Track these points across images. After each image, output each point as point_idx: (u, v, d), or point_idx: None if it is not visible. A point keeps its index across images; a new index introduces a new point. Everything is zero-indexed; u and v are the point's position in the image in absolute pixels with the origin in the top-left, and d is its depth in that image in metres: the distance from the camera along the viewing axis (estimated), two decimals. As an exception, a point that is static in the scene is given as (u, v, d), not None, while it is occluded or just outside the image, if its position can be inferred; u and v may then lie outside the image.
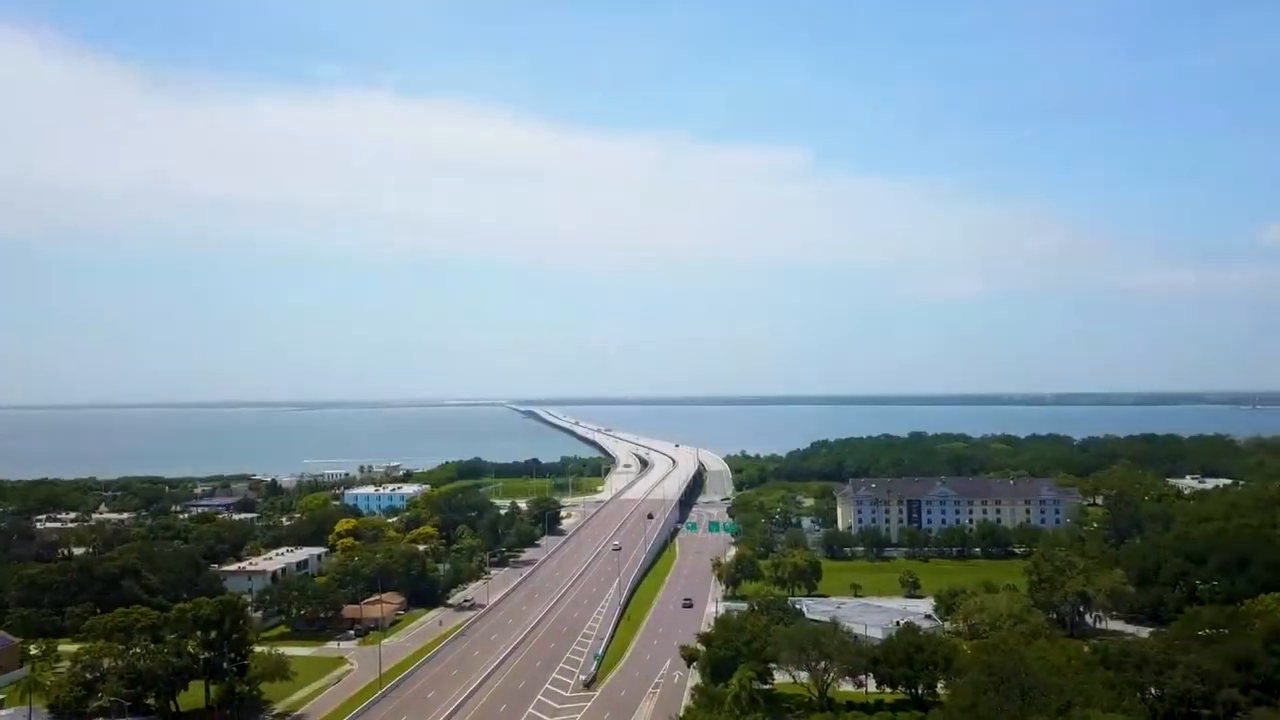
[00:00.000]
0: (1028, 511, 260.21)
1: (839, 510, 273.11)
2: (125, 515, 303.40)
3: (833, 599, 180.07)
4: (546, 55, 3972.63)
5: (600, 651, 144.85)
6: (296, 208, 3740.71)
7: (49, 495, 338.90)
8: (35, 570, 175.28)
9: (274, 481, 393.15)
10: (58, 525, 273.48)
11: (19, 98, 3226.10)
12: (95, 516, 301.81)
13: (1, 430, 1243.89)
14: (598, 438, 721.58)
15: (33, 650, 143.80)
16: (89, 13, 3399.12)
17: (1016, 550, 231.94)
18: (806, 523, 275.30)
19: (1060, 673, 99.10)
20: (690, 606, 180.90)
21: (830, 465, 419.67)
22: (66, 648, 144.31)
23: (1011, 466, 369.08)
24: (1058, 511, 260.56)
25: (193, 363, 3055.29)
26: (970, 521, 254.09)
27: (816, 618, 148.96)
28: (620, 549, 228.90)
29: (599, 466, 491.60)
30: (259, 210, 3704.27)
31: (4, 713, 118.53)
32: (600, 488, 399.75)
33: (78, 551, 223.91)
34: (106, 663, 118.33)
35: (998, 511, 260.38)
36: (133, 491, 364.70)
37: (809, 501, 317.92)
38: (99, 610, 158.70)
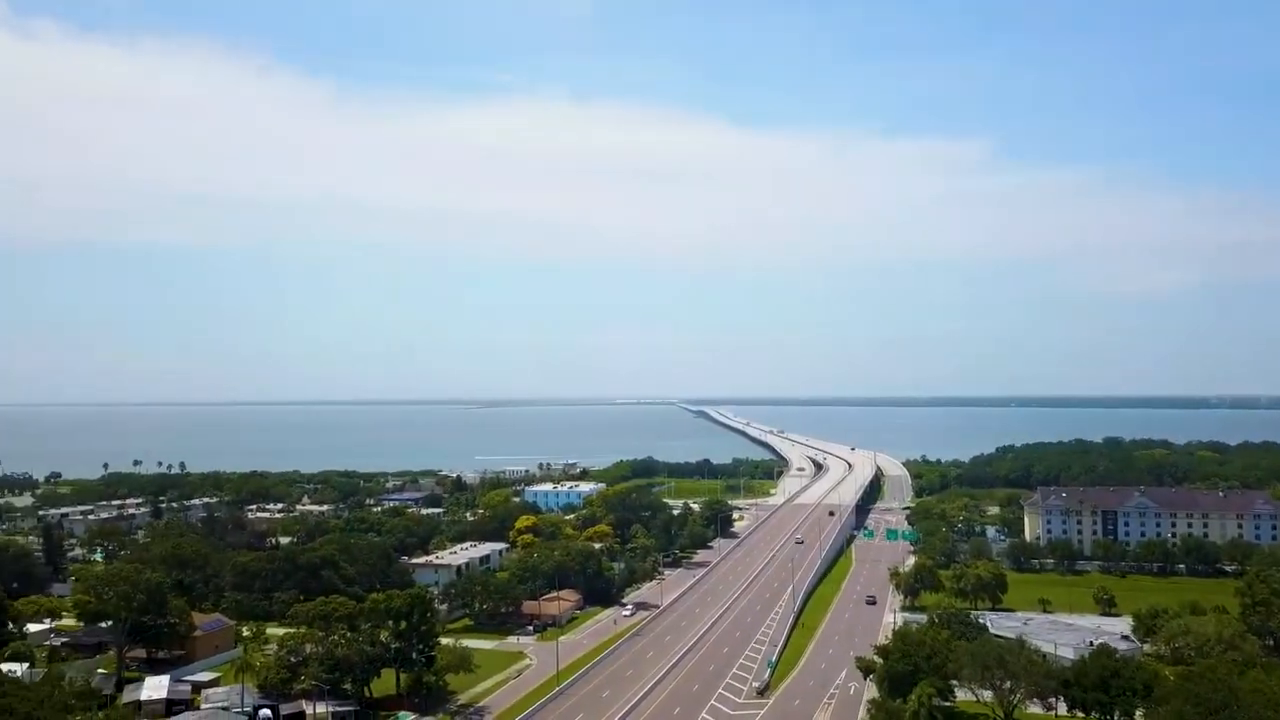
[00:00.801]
0: (1239, 526, 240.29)
1: (1026, 520, 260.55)
2: (325, 507, 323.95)
3: (1019, 614, 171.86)
4: (717, 54, 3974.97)
5: (774, 658, 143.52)
6: (472, 213, 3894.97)
7: (259, 487, 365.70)
8: (247, 558, 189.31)
9: (459, 478, 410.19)
10: (266, 516, 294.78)
11: (226, 116, 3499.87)
12: (299, 508, 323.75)
13: (228, 424, 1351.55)
14: (770, 439, 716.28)
15: (245, 632, 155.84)
16: (282, 34, 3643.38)
17: (1226, 568, 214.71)
18: (991, 532, 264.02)
19: (1278, 708, 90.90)
20: (874, 603, 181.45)
21: (1017, 471, 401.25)
22: (274, 631, 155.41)
23: (1220, 476, 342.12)
24: (1274, 527, 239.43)
25: (389, 363, 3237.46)
26: (1173, 535, 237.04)
27: (1001, 634, 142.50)
28: (803, 542, 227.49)
29: (771, 469, 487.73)
30: (439, 216, 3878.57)
31: (220, 689, 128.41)
32: (772, 491, 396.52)
33: (284, 541, 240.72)
34: (309, 648, 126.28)
35: (1204, 525, 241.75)
36: (332, 485, 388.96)
37: (994, 510, 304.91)
38: (302, 597, 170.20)
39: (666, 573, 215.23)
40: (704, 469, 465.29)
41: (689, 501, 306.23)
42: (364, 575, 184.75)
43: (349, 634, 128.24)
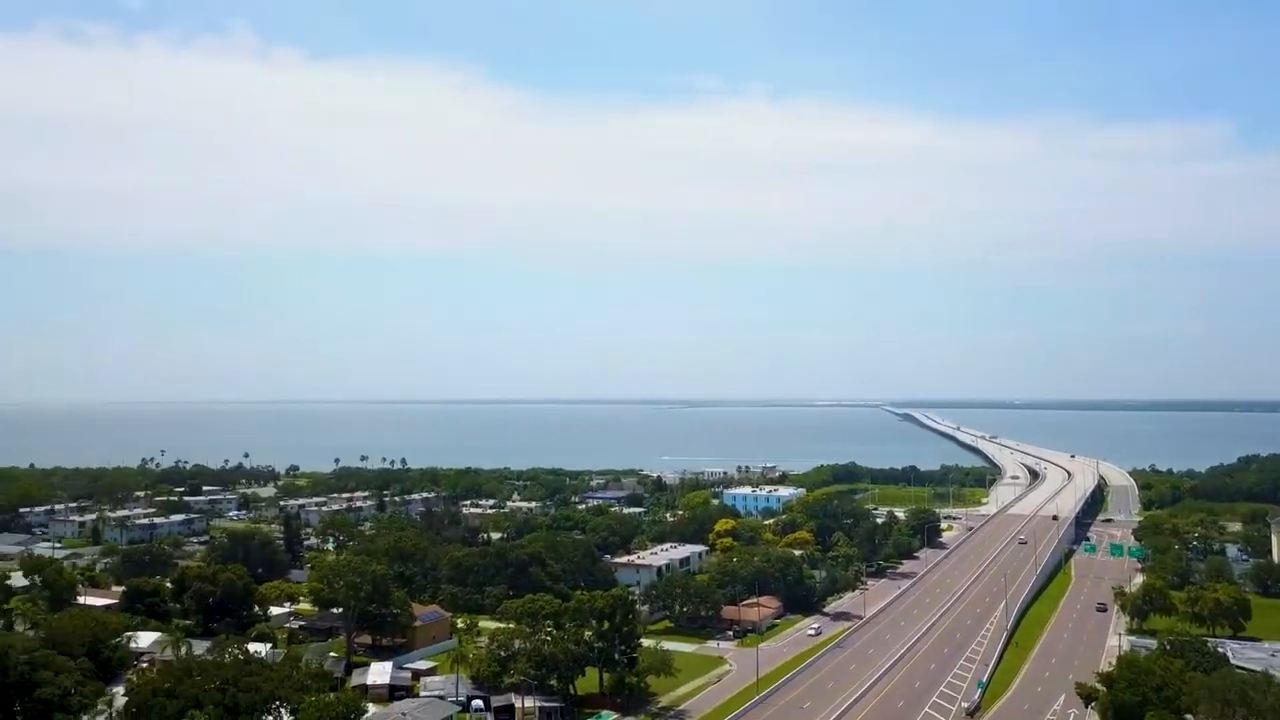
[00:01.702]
0: None
1: (1274, 539, 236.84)
2: (533, 504, 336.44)
3: (1266, 645, 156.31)
4: (919, 46, 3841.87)
5: (985, 678, 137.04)
6: (669, 215, 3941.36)
7: (472, 483, 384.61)
8: (461, 553, 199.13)
9: (659, 478, 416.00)
10: (479, 511, 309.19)
11: (440, 130, 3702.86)
12: (509, 504, 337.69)
13: (445, 421, 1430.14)
14: (981, 445, 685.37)
15: (459, 624, 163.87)
16: (491, 50, 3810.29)
17: None
18: (1232, 551, 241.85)
19: None
20: (1104, 610, 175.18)
21: (1263, 485, 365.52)
22: (486, 624, 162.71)
23: None
24: None
25: (593, 362, 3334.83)
26: None
27: (1245, 666, 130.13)
28: (1026, 542, 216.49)
29: (983, 476, 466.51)
30: (639, 219, 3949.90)
31: (437, 678, 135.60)
32: (984, 500, 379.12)
33: (495, 536, 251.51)
34: (517, 644, 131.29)
35: None
36: (539, 482, 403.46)
37: (1234, 527, 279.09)
38: (511, 593, 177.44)
39: (870, 583, 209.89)
40: (909, 475, 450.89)
41: (893, 510, 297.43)
42: (569, 573, 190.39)
43: (555, 632, 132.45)
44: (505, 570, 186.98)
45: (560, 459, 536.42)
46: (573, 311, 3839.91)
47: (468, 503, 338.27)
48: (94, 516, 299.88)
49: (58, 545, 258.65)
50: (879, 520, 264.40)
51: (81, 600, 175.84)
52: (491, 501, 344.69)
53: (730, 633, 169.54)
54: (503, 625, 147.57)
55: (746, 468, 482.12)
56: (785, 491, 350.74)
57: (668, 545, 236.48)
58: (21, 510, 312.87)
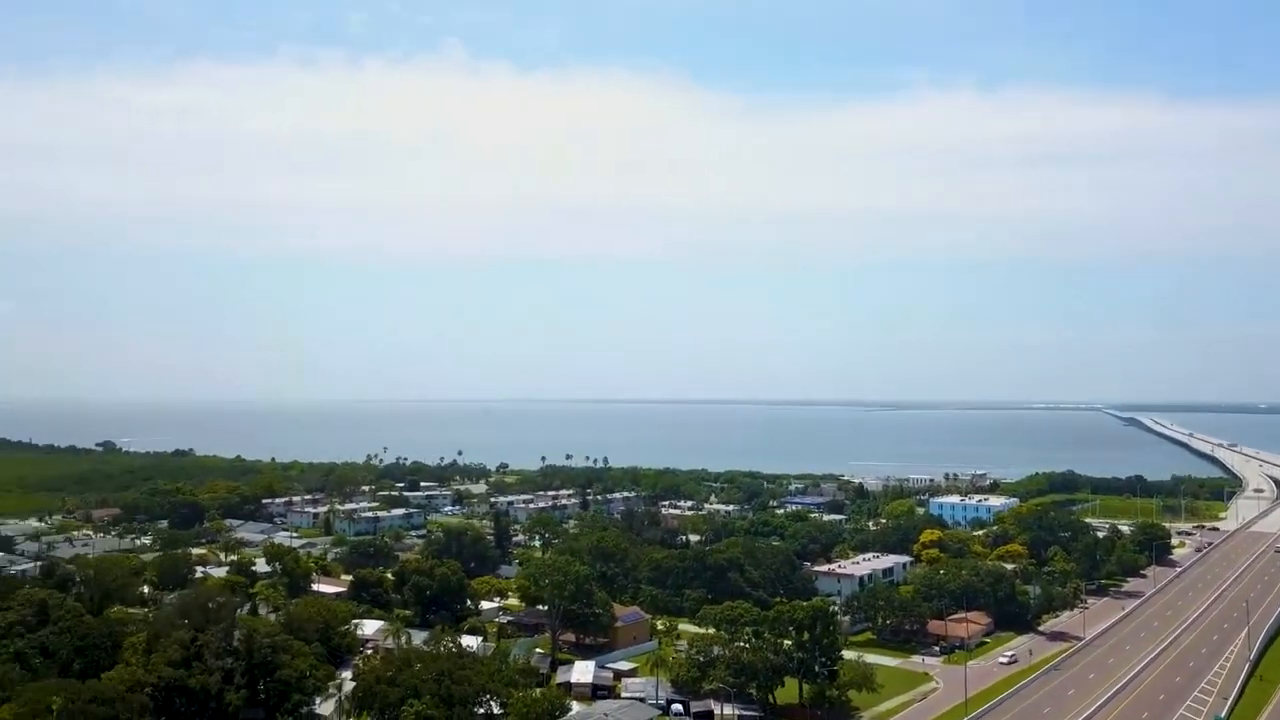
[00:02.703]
0: None
1: None
2: (731, 507, 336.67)
3: None
4: (1142, 25, 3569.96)
5: (1223, 713, 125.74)
6: (877, 212, 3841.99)
7: (671, 484, 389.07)
8: (661, 554, 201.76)
9: (860, 484, 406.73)
10: (677, 513, 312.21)
11: (647, 135, 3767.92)
12: (707, 506, 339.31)
13: (642, 420, 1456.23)
14: (1219, 454, 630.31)
15: (658, 626, 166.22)
16: (693, 54, 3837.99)
17: None
18: None
19: None
20: None
21: None
22: (685, 627, 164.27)
23: None
24: None
25: (785, 363, 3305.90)
26: None
27: None
28: None
29: (1220, 489, 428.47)
30: (847, 217, 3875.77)
31: (638, 680, 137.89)
32: (1222, 515, 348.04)
33: (693, 539, 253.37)
34: (716, 650, 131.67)
35: None
36: (737, 485, 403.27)
37: None
38: (710, 597, 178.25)
39: (1090, 601, 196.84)
40: (1135, 486, 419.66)
41: (1116, 523, 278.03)
42: (767, 580, 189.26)
43: (754, 640, 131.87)
44: (704, 574, 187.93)
45: (757, 461, 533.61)
46: (771, 312, 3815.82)
47: (666, 503, 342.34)
48: (325, 509, 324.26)
49: (294, 535, 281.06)
50: (1100, 534, 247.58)
51: (315, 587, 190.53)
52: (690, 503, 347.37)
53: (936, 648, 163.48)
54: (701, 630, 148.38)
55: (954, 475, 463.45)
56: (996, 501, 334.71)
57: (870, 554, 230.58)
58: (264, 501, 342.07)
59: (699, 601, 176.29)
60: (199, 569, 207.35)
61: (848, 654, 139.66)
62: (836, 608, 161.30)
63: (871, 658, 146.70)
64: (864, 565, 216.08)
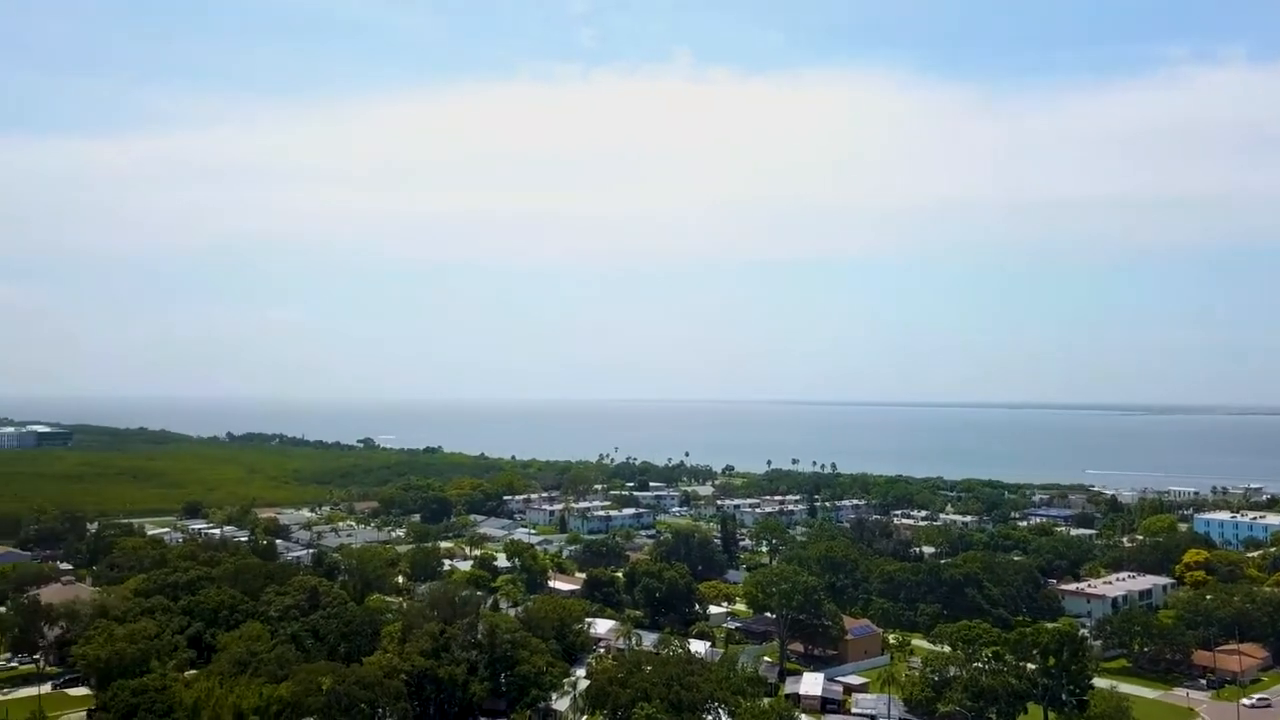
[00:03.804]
0: None
1: None
2: (968, 518, 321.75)
3: None
4: None
5: None
6: (1098, 203, 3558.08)
7: (903, 492, 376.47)
8: (893, 567, 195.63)
9: (1113, 496, 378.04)
10: (910, 522, 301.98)
11: (873, 131, 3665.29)
12: (942, 517, 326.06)
13: (874, 424, 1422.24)
14: None
15: (890, 640, 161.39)
16: (923, 43, 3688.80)
17: None
18: None
19: None
20: None
21: None
22: (918, 643, 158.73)
23: None
24: None
25: (1036, 365, 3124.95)
26: None
27: None
28: None
29: None
30: (1106, 204, 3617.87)
31: (869, 696, 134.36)
32: None
33: (927, 551, 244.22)
34: (952, 670, 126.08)
35: None
36: (975, 495, 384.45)
37: None
38: (945, 613, 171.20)
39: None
40: None
41: None
42: (1008, 597, 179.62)
43: (994, 662, 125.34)
44: (939, 589, 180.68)
45: (994, 469, 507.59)
46: (1014, 311, 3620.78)
47: (898, 512, 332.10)
48: (561, 507, 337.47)
49: (532, 531, 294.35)
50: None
51: (551, 584, 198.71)
52: (924, 513, 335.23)
53: (1203, 681, 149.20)
54: (936, 648, 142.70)
55: (1223, 489, 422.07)
56: (1274, 519, 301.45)
57: (1124, 574, 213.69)
58: (505, 498, 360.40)
59: (934, 617, 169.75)
60: (446, 562, 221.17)
61: (1099, 682, 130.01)
62: (1086, 631, 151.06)
63: (1127, 688, 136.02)
64: (1117, 586, 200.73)
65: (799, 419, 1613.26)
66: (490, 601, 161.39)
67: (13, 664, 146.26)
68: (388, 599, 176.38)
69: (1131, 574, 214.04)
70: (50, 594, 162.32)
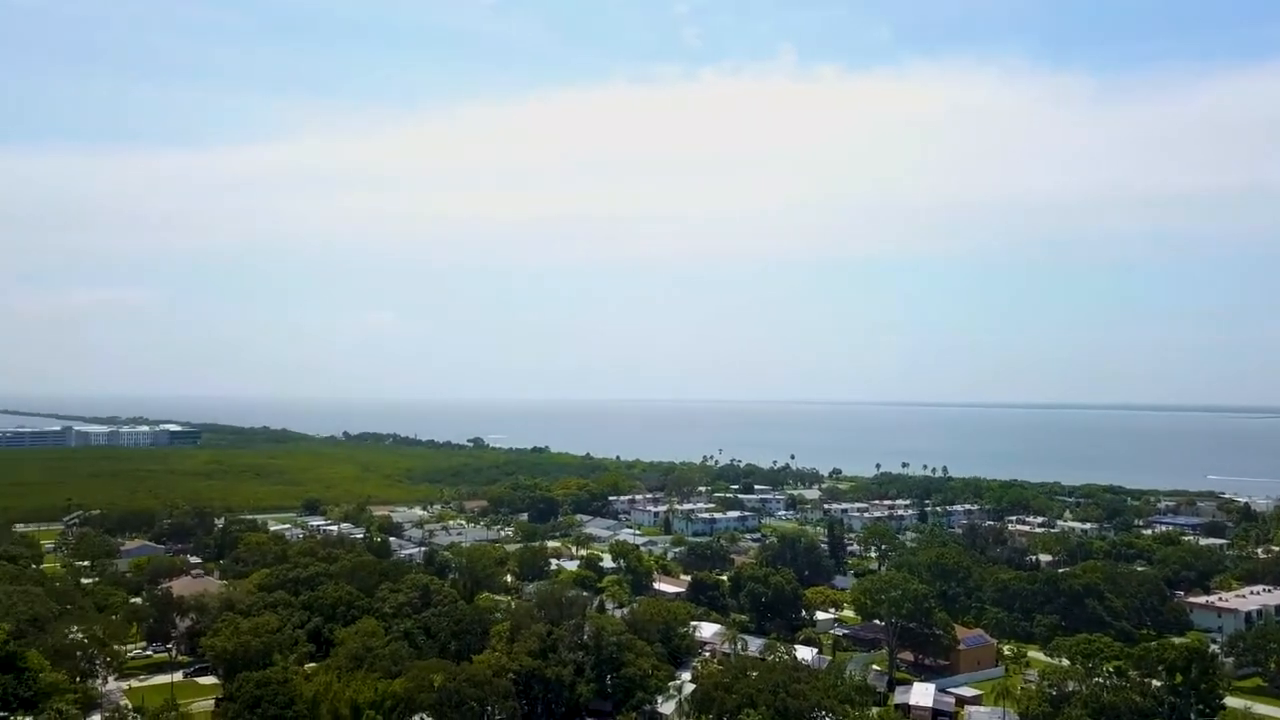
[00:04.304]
0: None
1: None
2: (1087, 525, 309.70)
3: None
4: None
5: None
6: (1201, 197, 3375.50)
7: (1018, 498, 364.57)
8: (1008, 575, 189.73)
9: (1246, 504, 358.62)
10: (1025, 529, 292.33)
11: (970, 125, 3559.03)
12: (1059, 524, 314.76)
13: (988, 427, 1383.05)
14: None
15: (1005, 652, 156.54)
16: (1033, 35, 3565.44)
17: None
18: None
19: None
20: None
21: None
22: (1034, 655, 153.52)
23: None
24: None
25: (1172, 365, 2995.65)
26: None
27: None
28: None
29: None
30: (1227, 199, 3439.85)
31: (982, 709, 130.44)
32: None
33: (1043, 559, 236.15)
34: (1072, 685, 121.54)
35: None
36: (1095, 501, 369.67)
37: None
38: (1063, 624, 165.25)
39: None
40: None
41: None
42: (1132, 610, 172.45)
43: (1115, 679, 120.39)
44: (1057, 599, 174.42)
45: (1112, 473, 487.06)
46: (1139, 308, 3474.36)
47: (1013, 519, 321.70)
48: (665, 508, 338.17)
49: (637, 532, 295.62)
50: None
51: (656, 585, 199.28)
52: (1040, 519, 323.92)
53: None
54: (1054, 661, 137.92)
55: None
56: None
57: (1259, 587, 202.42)
58: (610, 498, 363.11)
59: (1051, 629, 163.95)
60: (553, 562, 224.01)
61: (1231, 702, 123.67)
62: (1217, 647, 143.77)
63: (1263, 708, 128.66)
64: (1252, 599, 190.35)
65: (898, 420, 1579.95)
66: (596, 602, 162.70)
67: (148, 652, 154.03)
68: (496, 597, 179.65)
69: (1267, 587, 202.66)
70: (181, 586, 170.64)
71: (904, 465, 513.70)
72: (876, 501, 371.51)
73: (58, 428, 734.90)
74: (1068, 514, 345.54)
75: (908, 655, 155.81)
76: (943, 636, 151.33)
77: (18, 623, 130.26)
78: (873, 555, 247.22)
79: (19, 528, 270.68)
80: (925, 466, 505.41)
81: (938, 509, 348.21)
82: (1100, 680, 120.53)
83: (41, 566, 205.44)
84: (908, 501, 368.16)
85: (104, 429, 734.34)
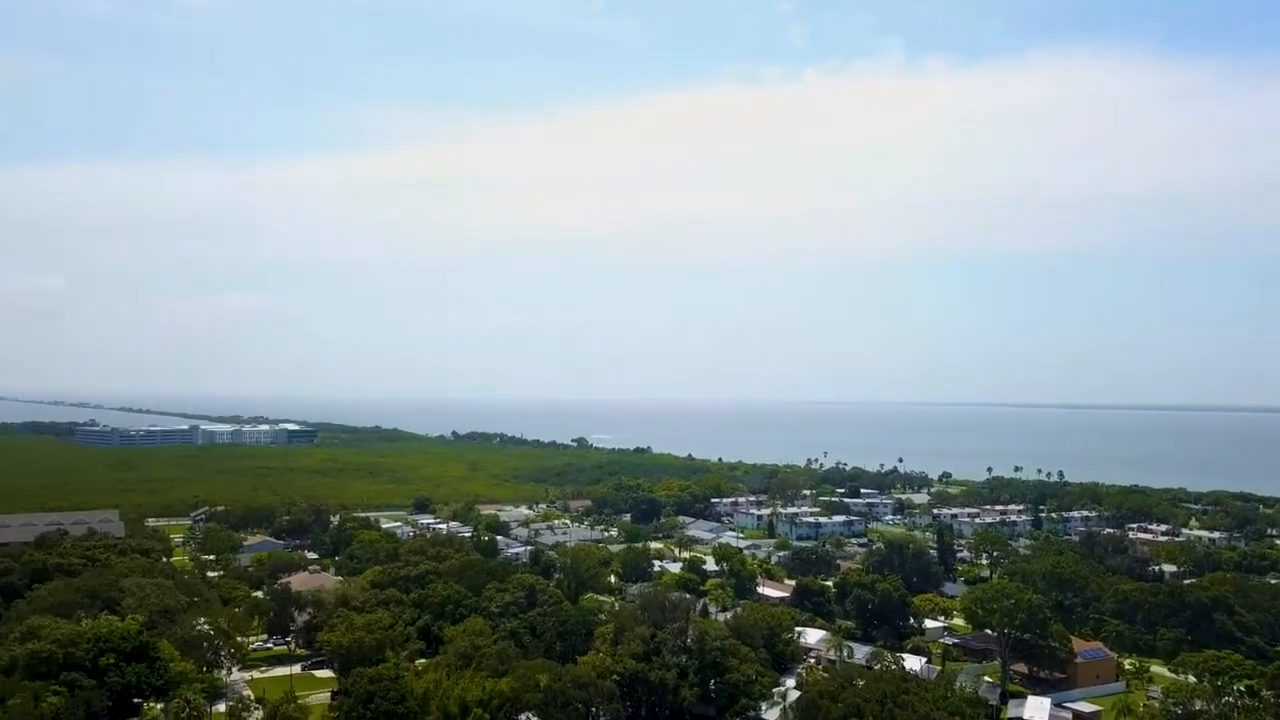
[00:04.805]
0: None
1: None
2: (1215, 534, 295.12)
3: None
4: None
5: None
6: None
7: (1139, 504, 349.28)
8: (1129, 586, 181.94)
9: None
10: (1148, 538, 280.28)
11: (1092, 115, 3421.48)
12: (1184, 532, 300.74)
13: (1118, 429, 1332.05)
14: None
15: (1126, 665, 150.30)
16: (1152, 20, 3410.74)
17: None
18: None
19: None
20: None
21: None
22: (1158, 671, 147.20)
23: None
24: None
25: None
26: None
27: None
28: None
29: None
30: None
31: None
32: None
33: (1167, 569, 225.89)
34: (1199, 704, 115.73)
35: None
36: (1224, 508, 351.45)
37: None
38: (1189, 639, 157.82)
39: None
40: None
41: None
42: (1264, 625, 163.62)
43: (1247, 698, 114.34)
44: (1182, 613, 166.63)
45: (1246, 480, 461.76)
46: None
47: (1134, 526, 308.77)
48: (769, 511, 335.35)
49: (740, 535, 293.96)
50: None
51: (760, 590, 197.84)
52: (1163, 528, 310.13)
53: None
54: (1179, 678, 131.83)
55: None
56: None
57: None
58: (713, 500, 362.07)
59: (1176, 644, 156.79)
60: (656, 563, 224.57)
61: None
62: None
63: None
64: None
65: (1011, 422, 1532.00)
66: (699, 606, 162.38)
67: (268, 645, 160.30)
68: (600, 598, 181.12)
69: None
70: (299, 581, 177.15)
71: (1017, 469, 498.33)
72: (988, 507, 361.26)
73: (186, 426, 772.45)
74: (1194, 522, 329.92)
75: (1021, 667, 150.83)
76: (1059, 649, 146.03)
77: (150, 614, 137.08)
78: (984, 562, 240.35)
79: (151, 522, 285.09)
80: (1039, 471, 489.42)
81: (1053, 515, 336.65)
82: (1230, 700, 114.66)
83: (171, 560, 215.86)
84: (1021, 507, 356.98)
85: (228, 428, 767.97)
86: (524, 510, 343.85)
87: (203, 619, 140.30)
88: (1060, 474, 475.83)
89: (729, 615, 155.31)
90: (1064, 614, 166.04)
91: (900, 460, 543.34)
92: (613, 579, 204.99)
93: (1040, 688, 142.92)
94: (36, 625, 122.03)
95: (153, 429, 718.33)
